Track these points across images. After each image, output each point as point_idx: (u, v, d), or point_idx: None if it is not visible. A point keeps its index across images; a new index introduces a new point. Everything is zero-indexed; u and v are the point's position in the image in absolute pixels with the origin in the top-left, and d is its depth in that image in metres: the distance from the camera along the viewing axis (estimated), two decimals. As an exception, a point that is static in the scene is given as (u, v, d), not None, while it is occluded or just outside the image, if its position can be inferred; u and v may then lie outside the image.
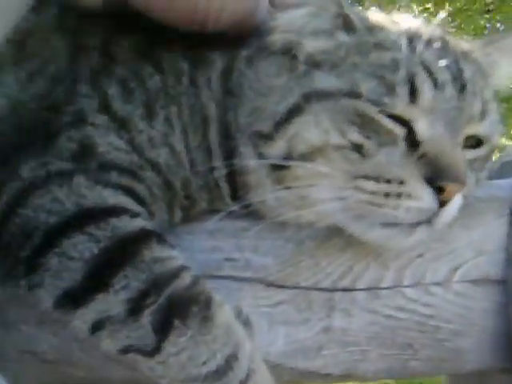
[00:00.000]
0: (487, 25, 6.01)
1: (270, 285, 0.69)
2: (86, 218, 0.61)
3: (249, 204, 0.69)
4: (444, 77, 0.62)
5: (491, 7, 5.91)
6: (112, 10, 0.73)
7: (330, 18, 0.67)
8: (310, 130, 0.62)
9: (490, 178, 0.75)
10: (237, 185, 0.72)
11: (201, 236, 0.72)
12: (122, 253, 0.59)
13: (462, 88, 0.63)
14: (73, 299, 0.58)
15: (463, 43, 0.73)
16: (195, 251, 0.70)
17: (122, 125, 0.69)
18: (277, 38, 0.68)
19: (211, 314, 0.57)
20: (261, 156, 0.66)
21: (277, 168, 0.65)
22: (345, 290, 0.69)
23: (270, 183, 0.67)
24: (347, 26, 0.66)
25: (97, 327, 0.57)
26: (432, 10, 6.14)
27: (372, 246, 0.66)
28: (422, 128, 0.61)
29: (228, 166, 0.70)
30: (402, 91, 0.60)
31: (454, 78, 0.63)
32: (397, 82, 0.60)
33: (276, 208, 0.68)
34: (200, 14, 0.67)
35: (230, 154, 0.71)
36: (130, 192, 0.66)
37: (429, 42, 0.65)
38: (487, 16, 5.92)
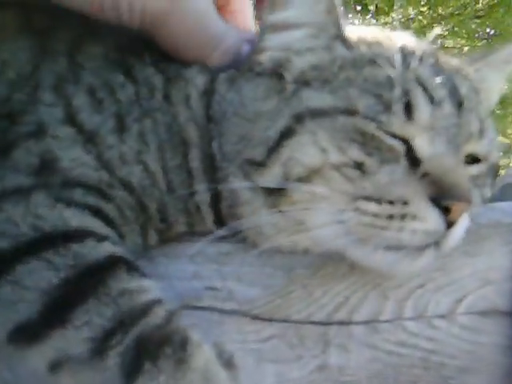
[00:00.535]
0: (479, 29, 6.17)
1: (257, 318, 0.64)
2: (45, 242, 0.55)
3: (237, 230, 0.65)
4: (441, 93, 0.62)
5: (481, 13, 6.08)
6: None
7: (328, 39, 0.66)
8: (306, 150, 0.60)
9: (493, 199, 0.74)
10: (222, 211, 0.68)
11: (180, 260, 0.66)
12: (84, 284, 0.53)
13: (459, 105, 0.64)
14: (28, 334, 0.52)
15: (453, 60, 0.74)
16: (173, 278, 0.64)
17: (89, 138, 0.64)
18: (266, 58, 0.67)
19: (187, 356, 0.52)
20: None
21: (272, 193, 0.62)
22: (341, 323, 0.65)
23: (265, 212, 0.64)
24: (344, 44, 0.66)
25: (56, 367, 0.52)
26: (426, 13, 6.25)
27: (374, 273, 0.63)
28: (422, 145, 0.61)
29: (214, 193, 0.67)
30: (398, 109, 0.60)
31: (451, 94, 0.63)
32: (393, 100, 0.60)
33: (271, 235, 0.65)
34: (108, 9, 0.63)
35: (215, 182, 0.67)
36: (97, 212, 0.60)
37: (422, 59, 0.65)
38: (478, 21, 6.07)
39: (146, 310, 0.53)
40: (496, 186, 0.76)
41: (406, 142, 0.61)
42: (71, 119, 0.64)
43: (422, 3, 6.04)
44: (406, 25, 6.59)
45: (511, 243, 0.69)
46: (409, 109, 0.60)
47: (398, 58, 0.63)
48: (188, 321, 0.56)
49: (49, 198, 0.58)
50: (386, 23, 6.96)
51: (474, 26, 6.10)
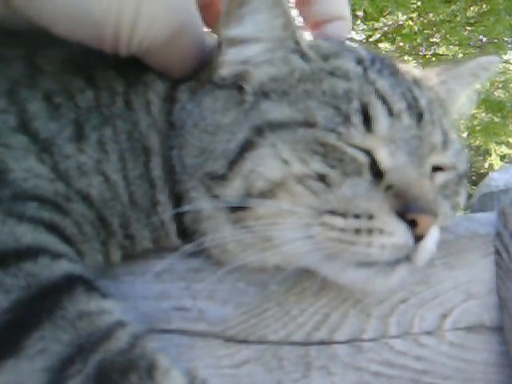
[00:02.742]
0: (471, 36, 6.37)
1: (231, 340, 0.62)
2: None
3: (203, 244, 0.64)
4: (399, 105, 0.65)
5: (472, 21, 6.28)
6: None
7: (286, 52, 0.69)
8: (268, 163, 0.61)
9: (472, 209, 0.77)
10: (186, 224, 0.68)
11: (145, 278, 0.65)
12: (38, 307, 0.52)
13: (419, 117, 0.67)
14: None
15: (416, 71, 0.77)
16: (138, 298, 0.63)
17: (44, 147, 0.63)
18: (225, 71, 0.69)
19: None
20: (216, 199, 0.64)
21: (236, 209, 0.63)
22: (322, 343, 0.64)
23: (229, 227, 0.64)
24: (303, 57, 0.69)
25: None
26: (416, 19, 6.44)
27: (350, 290, 0.63)
28: (384, 157, 0.63)
29: (177, 212, 0.66)
30: (357, 121, 0.63)
31: (410, 107, 0.66)
32: (351, 112, 0.63)
33: (237, 253, 0.65)
34: (108, 41, 0.64)
35: (177, 194, 0.68)
36: (52, 228, 0.59)
37: (382, 70, 0.69)
38: (469, 28, 6.27)
39: (107, 333, 0.52)
40: (474, 195, 0.78)
41: (369, 153, 0.63)
42: (25, 127, 0.63)
43: (412, 9, 6.22)
44: (396, 30, 6.78)
45: (490, 255, 0.72)
46: (368, 121, 0.63)
47: (357, 70, 0.67)
48: (155, 345, 0.55)
49: None
50: (375, 29, 7.15)
51: (465, 34, 6.30)
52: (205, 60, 0.72)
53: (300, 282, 0.65)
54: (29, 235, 0.56)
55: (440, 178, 0.69)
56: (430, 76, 0.78)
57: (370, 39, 7.24)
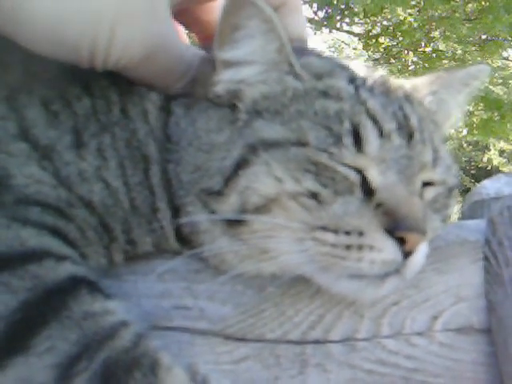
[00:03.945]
0: (470, 34, 6.33)
1: (229, 337, 0.64)
2: (0, 263, 0.54)
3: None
4: (389, 126, 0.65)
5: (472, 17, 6.24)
6: None
7: (280, 74, 0.69)
8: (262, 180, 0.63)
9: (462, 217, 0.79)
10: (184, 233, 0.69)
11: (147, 278, 0.66)
12: (45, 307, 0.53)
13: (409, 136, 0.67)
14: None
15: (407, 84, 0.78)
16: (140, 296, 0.65)
17: (44, 154, 0.64)
18: (221, 89, 0.69)
19: (157, 381, 0.52)
20: (213, 214, 0.65)
21: (232, 224, 0.64)
22: (317, 342, 0.66)
23: (226, 240, 0.66)
24: (296, 77, 0.69)
25: None
26: (415, 15, 6.40)
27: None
28: (374, 176, 0.64)
29: (175, 225, 0.68)
30: (348, 142, 0.63)
31: (400, 127, 0.66)
32: (343, 133, 0.63)
33: (235, 263, 0.66)
34: (84, 60, 0.63)
35: (176, 204, 0.68)
36: (56, 232, 0.60)
37: (373, 89, 0.69)
38: (469, 25, 6.24)
39: (111, 332, 0.53)
40: (465, 203, 0.79)
41: (360, 172, 0.64)
42: (25, 134, 0.64)
43: (411, 5, 6.18)
44: (396, 26, 6.75)
45: (479, 260, 0.73)
46: (359, 141, 0.64)
47: (348, 89, 0.67)
48: (158, 342, 0.56)
49: (3, 216, 0.57)
50: (375, 21, 7.11)
51: (465, 31, 6.26)
52: (189, 73, 0.71)
53: (295, 285, 0.66)
54: (33, 239, 0.57)
55: (430, 192, 0.70)
56: (421, 86, 0.79)
57: (370, 33, 7.21)
